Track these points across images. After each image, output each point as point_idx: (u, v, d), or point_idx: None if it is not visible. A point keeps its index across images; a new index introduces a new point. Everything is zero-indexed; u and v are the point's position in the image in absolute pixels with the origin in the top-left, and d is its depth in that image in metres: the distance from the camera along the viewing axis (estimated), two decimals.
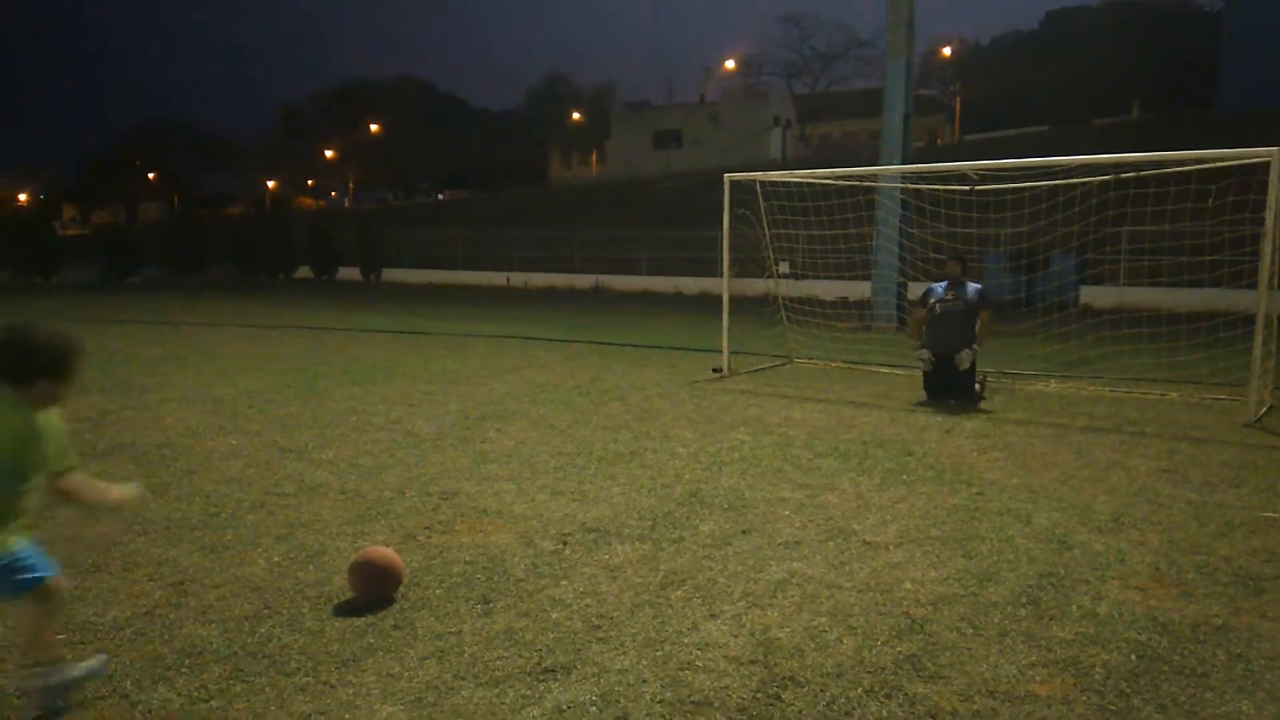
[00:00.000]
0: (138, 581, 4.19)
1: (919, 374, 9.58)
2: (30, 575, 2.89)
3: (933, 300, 9.29)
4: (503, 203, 56.09)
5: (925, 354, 9.23)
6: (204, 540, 4.77)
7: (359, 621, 3.77)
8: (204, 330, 16.44)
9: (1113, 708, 3.09)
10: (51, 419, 2.93)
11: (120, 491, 3.21)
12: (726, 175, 11.50)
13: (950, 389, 9.05)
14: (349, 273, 39.47)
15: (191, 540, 4.76)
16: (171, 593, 4.06)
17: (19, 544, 2.89)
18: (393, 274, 39.41)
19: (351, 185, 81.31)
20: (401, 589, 4.08)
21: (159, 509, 5.29)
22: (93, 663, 3.18)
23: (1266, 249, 8.05)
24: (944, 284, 9.36)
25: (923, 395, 9.26)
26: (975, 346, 8.97)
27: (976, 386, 9.09)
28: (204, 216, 56.58)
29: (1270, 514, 5.33)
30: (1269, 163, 8.07)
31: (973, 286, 9.23)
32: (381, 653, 3.49)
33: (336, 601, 3.97)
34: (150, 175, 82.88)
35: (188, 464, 6.37)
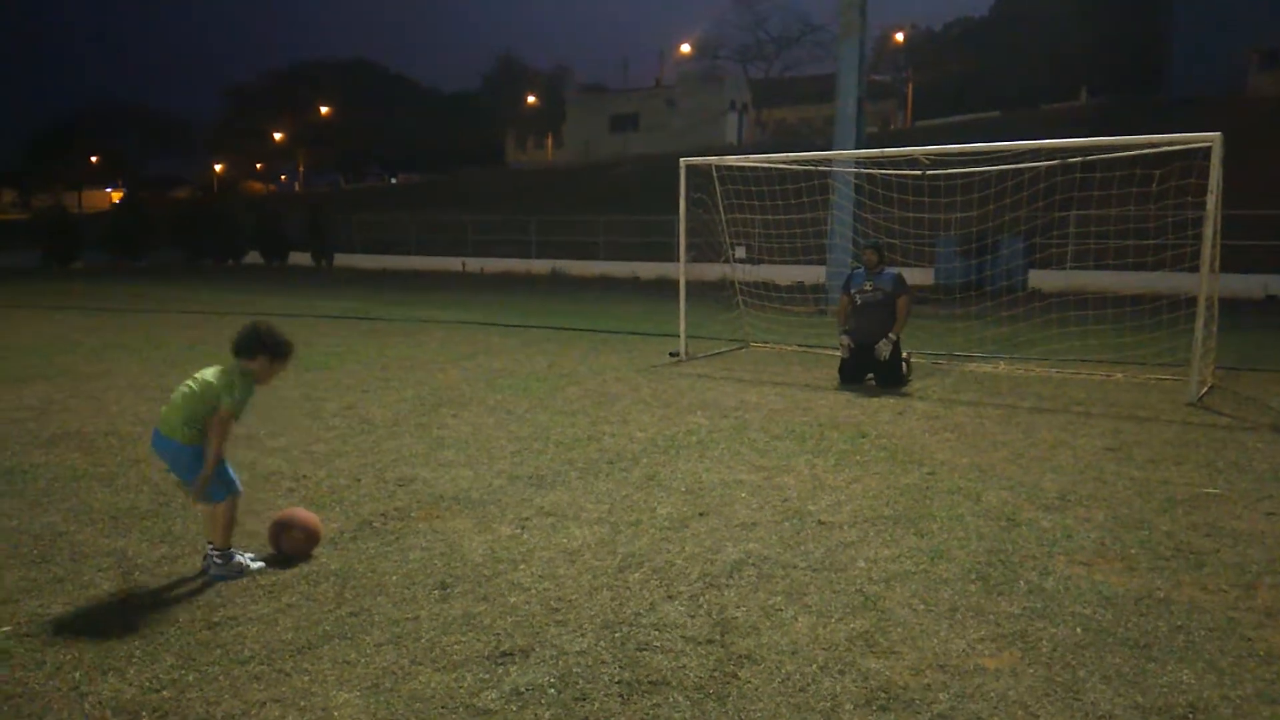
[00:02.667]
0: (85, 572, 4.10)
1: None
2: (226, 484, 4.11)
3: (853, 291, 9.43)
4: (457, 186, 55.54)
5: (845, 340, 9.37)
6: (153, 530, 4.69)
7: (314, 609, 3.74)
8: (150, 317, 16.10)
9: (1059, 679, 3.18)
10: (251, 386, 4.10)
11: (211, 465, 4.00)
12: (683, 160, 11.50)
13: (874, 375, 9.19)
14: (299, 258, 38.88)
15: (141, 530, 4.68)
16: (121, 583, 3.99)
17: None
18: (345, 259, 38.90)
19: (301, 168, 79.84)
20: (358, 571, 4.05)
21: (106, 498, 5.19)
22: (261, 563, 4.17)
23: (1208, 232, 8.25)
24: (863, 272, 9.50)
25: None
26: (892, 335, 9.09)
27: (903, 368, 9.24)
28: (149, 200, 55.18)
29: (1211, 490, 5.50)
30: (1210, 148, 8.27)
31: (889, 274, 9.37)
32: (337, 639, 3.47)
33: (291, 590, 3.93)
34: (93, 158, 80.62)
35: (135, 453, 6.24)
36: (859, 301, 9.35)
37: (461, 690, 3.10)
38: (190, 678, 3.17)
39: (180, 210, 46.55)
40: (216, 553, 4.06)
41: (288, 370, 4.33)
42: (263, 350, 4.10)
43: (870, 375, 9.21)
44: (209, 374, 4.05)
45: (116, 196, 76.11)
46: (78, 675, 3.18)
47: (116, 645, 3.40)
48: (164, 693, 3.08)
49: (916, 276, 22.55)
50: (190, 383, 4.06)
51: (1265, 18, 43.59)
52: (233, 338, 4.11)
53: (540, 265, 34.88)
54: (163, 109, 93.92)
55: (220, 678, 3.18)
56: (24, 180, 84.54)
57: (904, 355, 9.38)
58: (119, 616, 3.66)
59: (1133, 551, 4.43)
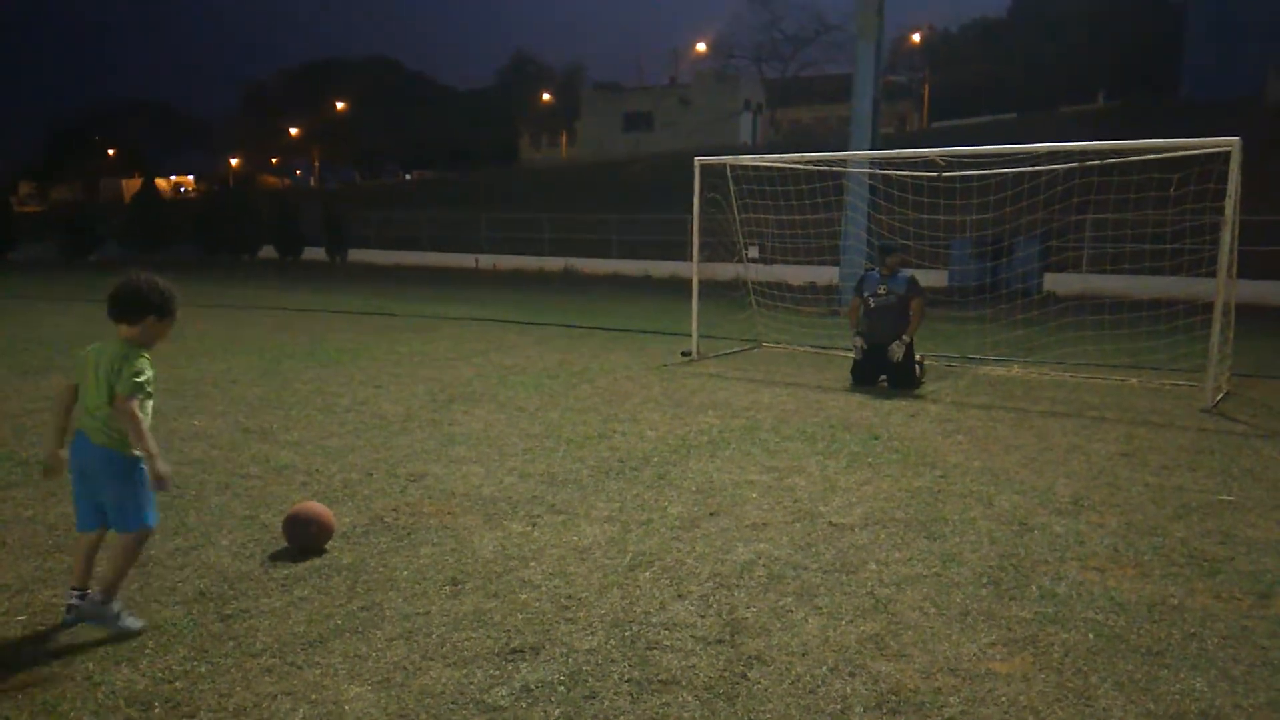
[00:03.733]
0: (99, 563, 4.12)
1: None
2: (144, 515, 3.46)
3: (866, 294, 9.42)
4: (471, 183, 55.64)
5: (859, 341, 9.36)
6: (168, 522, 4.71)
7: (326, 603, 3.75)
8: None
9: (1071, 685, 3.16)
10: (145, 356, 3.47)
11: (157, 461, 3.37)
12: (697, 159, 11.49)
13: (886, 376, 9.17)
14: (314, 253, 39.01)
15: None
16: (134, 574, 4.01)
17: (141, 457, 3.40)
18: (359, 255, 39.00)
19: (317, 164, 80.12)
20: (370, 566, 4.07)
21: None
22: (140, 623, 3.51)
23: (1226, 238, 8.19)
24: (876, 274, 9.47)
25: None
26: (905, 337, 9.07)
27: (916, 370, 9.21)
28: (166, 193, 55.51)
29: (1225, 497, 5.46)
30: (1229, 152, 8.20)
31: (902, 277, 9.33)
32: (349, 634, 3.48)
33: (303, 584, 3.95)
34: (110, 152, 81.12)
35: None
36: (872, 304, 9.33)
37: (472, 686, 3.11)
38: (202, 669, 3.19)
39: (197, 203, 46.80)
40: (103, 595, 3.46)
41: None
42: (149, 310, 3.49)
43: (883, 377, 9.18)
44: (97, 356, 3.46)
45: (138, 185, 76.74)
46: (91, 665, 3.20)
47: (129, 636, 3.42)
48: (176, 684, 3.10)
49: (930, 279, 22.48)
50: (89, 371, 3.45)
51: None
52: (110, 300, 3.51)
53: (553, 263, 34.89)
54: (179, 106, 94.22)
55: (232, 670, 3.19)
56: (42, 174, 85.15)
57: (917, 358, 9.35)
58: (132, 608, 3.68)
59: (1146, 558, 4.41)
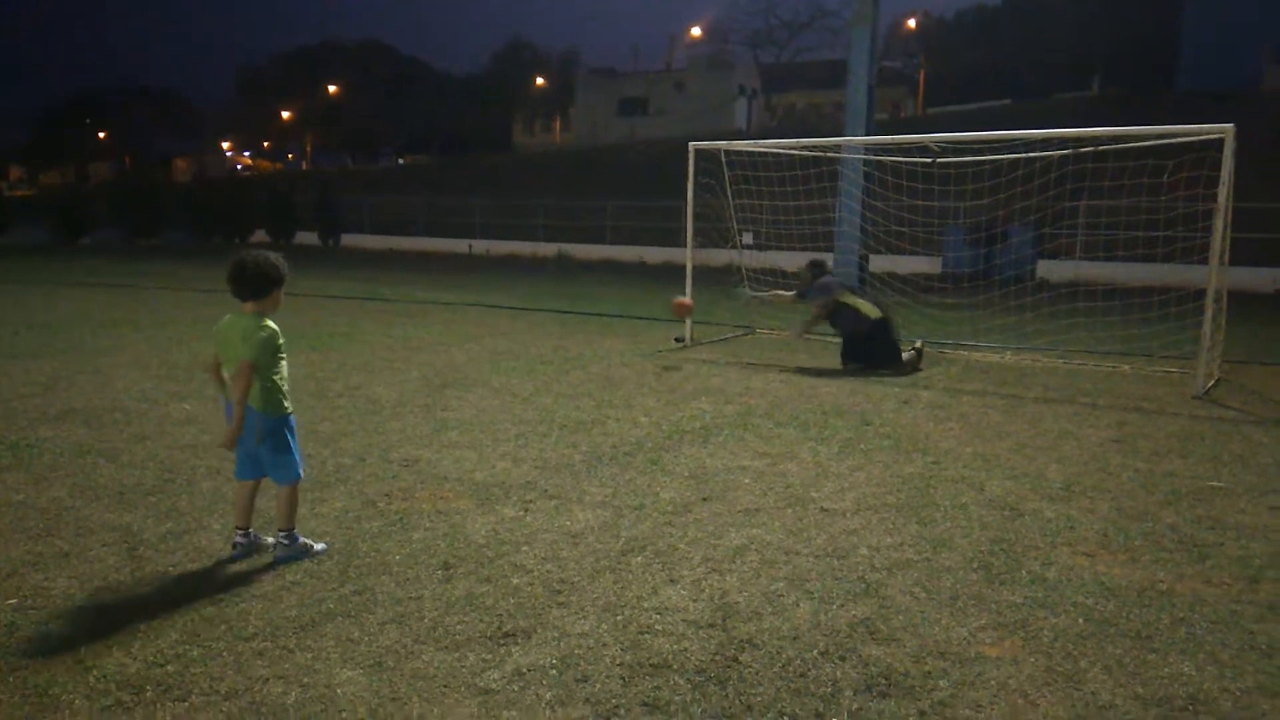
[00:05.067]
0: (91, 547, 4.13)
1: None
2: (296, 469, 4.03)
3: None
4: (465, 168, 55.43)
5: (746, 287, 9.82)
6: (159, 506, 4.71)
7: (318, 587, 3.75)
8: (157, 294, 16.13)
9: (1060, 669, 3.18)
10: (274, 327, 3.95)
11: (237, 423, 3.83)
12: (691, 144, 11.46)
13: (872, 357, 9.30)
14: (306, 237, 38.86)
15: (146, 506, 4.70)
16: (126, 558, 4.01)
17: (290, 414, 4.04)
18: (352, 239, 38.89)
19: (309, 148, 79.72)
20: (361, 550, 4.08)
21: (111, 474, 5.21)
22: (322, 545, 4.12)
23: (1219, 225, 8.21)
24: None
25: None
26: (758, 291, 9.51)
27: (907, 355, 9.30)
28: (158, 177, 55.21)
29: (1215, 483, 5.48)
30: (1223, 139, 8.21)
31: (814, 289, 9.72)
32: (341, 618, 3.48)
33: (295, 568, 3.94)
34: (100, 135, 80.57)
35: (141, 429, 6.27)
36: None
37: (464, 670, 3.11)
38: (194, 653, 3.19)
39: (188, 187, 46.57)
40: (284, 534, 4.03)
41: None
42: (275, 284, 3.98)
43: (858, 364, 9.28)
44: (229, 331, 3.94)
45: (105, 171, 76.08)
46: (82, 649, 3.20)
47: (121, 620, 3.42)
48: (168, 667, 3.10)
49: (923, 265, 22.53)
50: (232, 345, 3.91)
51: (1278, 10, 43.21)
52: (233, 281, 3.94)
53: (547, 248, 34.81)
54: (174, 88, 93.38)
55: (224, 653, 3.19)
56: (32, 158, 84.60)
57: (916, 344, 9.39)
58: (124, 591, 3.68)
59: (1136, 543, 4.43)
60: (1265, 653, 3.33)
